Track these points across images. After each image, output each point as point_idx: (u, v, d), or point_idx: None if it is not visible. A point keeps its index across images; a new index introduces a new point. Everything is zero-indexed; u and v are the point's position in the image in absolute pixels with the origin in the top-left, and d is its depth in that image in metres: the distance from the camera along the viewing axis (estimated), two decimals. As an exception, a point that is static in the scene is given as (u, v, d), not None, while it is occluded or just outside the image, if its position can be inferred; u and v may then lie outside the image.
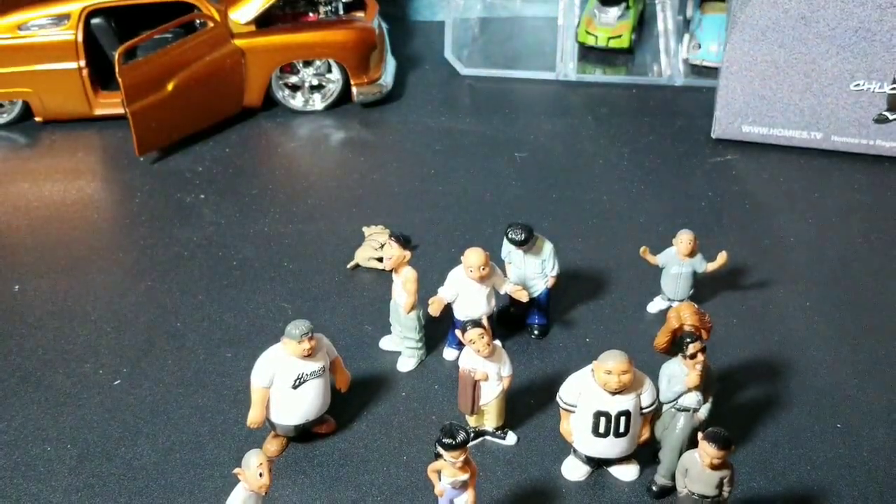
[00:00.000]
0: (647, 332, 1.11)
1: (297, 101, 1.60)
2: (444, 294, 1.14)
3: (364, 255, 1.32)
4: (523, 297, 1.16)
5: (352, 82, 1.59)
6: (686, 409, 1.03)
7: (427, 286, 1.16)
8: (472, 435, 1.05)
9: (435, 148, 1.53)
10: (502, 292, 1.15)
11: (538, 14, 1.81)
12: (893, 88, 1.43)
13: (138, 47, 1.46)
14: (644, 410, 1.01)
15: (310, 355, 1.03)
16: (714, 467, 0.92)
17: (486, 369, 1.05)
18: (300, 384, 1.04)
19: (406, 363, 1.18)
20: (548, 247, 1.19)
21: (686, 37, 1.68)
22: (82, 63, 1.52)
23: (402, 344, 1.18)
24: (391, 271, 1.15)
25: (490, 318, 1.13)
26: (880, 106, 1.45)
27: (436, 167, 1.49)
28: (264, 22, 1.55)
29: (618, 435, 1.01)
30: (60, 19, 1.50)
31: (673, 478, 0.98)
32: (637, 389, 1.00)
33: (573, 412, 1.01)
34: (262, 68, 1.56)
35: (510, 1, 1.84)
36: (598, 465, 1.06)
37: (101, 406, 1.13)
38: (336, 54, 1.57)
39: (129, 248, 1.35)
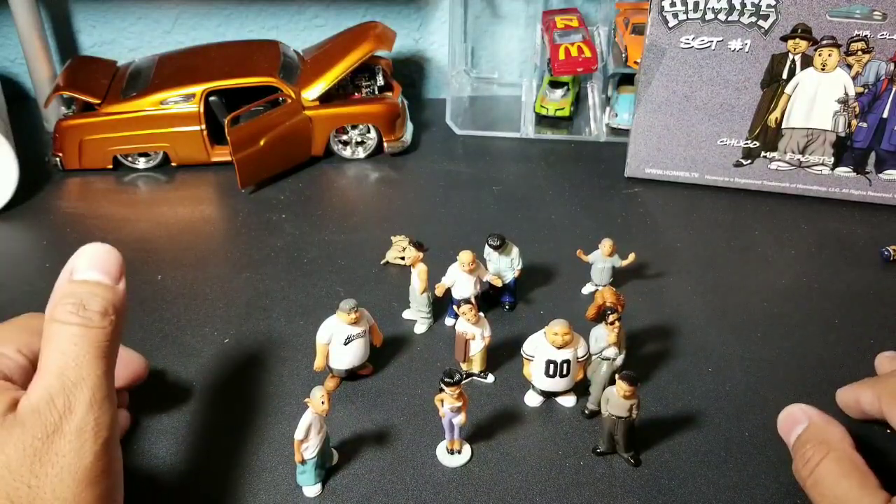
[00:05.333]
0: (581, 307, 1.10)
1: (347, 152, 1.60)
2: (446, 281, 1.14)
3: (392, 255, 1.31)
4: (498, 284, 1.16)
5: (384, 139, 1.58)
6: (607, 359, 1.02)
7: (434, 276, 1.15)
8: (464, 376, 1.05)
9: (440, 183, 1.53)
10: (484, 280, 1.15)
11: (509, 93, 1.81)
12: (746, 143, 1.43)
13: (240, 116, 1.46)
14: (579, 359, 1.01)
15: (356, 322, 1.03)
16: (626, 398, 0.92)
17: (473, 331, 1.05)
18: (349, 342, 1.04)
19: (420, 328, 1.18)
20: (515, 249, 1.18)
21: (608, 109, 1.68)
22: (203, 126, 1.51)
23: (417, 315, 1.18)
24: (410, 266, 1.15)
25: (476, 297, 1.13)
26: (738, 155, 1.44)
27: (440, 196, 1.49)
28: (325, 99, 1.54)
29: (562, 376, 1.01)
30: (188, 97, 1.49)
31: (598, 405, 0.98)
32: (575, 345, 1.00)
33: (532, 360, 1.01)
34: (323, 130, 1.55)
35: (490, 84, 1.83)
36: (549, 396, 1.05)
37: (216, 357, 1.13)
38: (373, 120, 1.56)
39: (234, 250, 1.34)
